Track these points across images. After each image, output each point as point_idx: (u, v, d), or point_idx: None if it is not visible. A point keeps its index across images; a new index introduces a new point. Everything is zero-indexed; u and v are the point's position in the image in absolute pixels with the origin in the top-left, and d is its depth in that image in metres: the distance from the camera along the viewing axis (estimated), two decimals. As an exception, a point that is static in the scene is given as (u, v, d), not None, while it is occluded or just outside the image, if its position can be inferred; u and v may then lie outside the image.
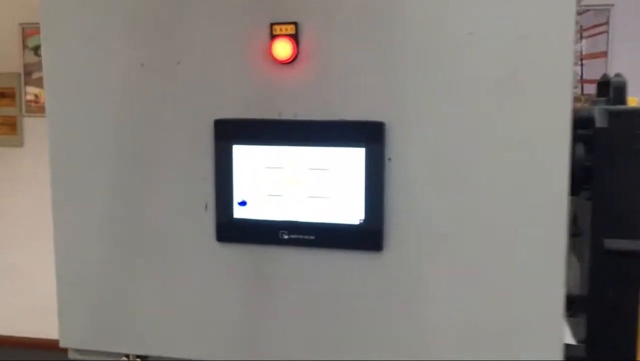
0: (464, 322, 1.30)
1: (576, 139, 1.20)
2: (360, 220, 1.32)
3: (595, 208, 1.21)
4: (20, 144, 5.52)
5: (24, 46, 5.39)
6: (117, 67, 1.41)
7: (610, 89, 1.21)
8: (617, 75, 1.23)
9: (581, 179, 1.21)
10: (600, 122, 1.17)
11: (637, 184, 1.16)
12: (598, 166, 1.19)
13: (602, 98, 1.23)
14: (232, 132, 1.37)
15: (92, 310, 1.47)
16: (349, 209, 1.32)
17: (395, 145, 1.30)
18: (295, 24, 1.31)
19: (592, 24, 4.59)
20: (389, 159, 1.30)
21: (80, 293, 1.48)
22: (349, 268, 1.34)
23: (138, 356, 1.46)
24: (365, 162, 1.30)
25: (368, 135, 1.30)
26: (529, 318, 1.27)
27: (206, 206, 1.39)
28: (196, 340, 1.42)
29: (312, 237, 1.35)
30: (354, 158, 1.31)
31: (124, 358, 1.47)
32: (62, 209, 1.48)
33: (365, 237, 1.32)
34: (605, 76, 1.24)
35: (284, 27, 1.31)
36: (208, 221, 1.39)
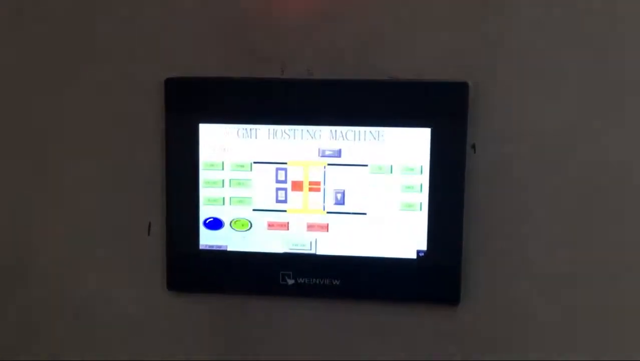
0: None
1: None
2: (420, 252, 0.76)
3: None
4: None
5: None
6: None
7: None
8: None
9: None
10: None
11: None
12: None
13: None
14: (197, 101, 0.78)
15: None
16: (401, 234, 0.76)
17: (485, 123, 0.75)
18: None
19: None
20: (474, 147, 0.75)
21: None
22: (399, 334, 0.78)
23: None
24: (430, 154, 0.74)
25: (438, 105, 0.75)
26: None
27: (149, 228, 0.80)
28: None
29: (336, 282, 0.77)
30: (411, 146, 0.75)
31: None
32: None
33: (429, 281, 0.76)
34: None
35: None
36: (152, 255, 0.80)
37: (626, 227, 0.74)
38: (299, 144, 0.77)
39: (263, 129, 0.77)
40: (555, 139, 0.74)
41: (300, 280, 0.78)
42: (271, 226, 0.78)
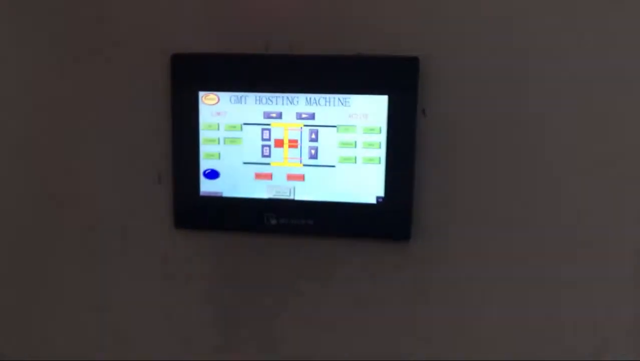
0: (525, 336, 0.86)
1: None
2: (379, 198, 0.86)
3: None
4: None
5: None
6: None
7: None
8: None
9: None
10: None
11: None
12: None
13: None
14: (197, 73, 0.88)
15: (15, 314, 0.97)
16: (364, 183, 0.86)
17: (433, 91, 0.84)
18: None
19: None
20: (424, 111, 0.84)
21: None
22: (362, 265, 0.89)
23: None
24: (387, 116, 0.84)
25: (394, 76, 0.84)
26: (608, 329, 0.84)
27: (159, 178, 0.91)
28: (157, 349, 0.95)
29: (310, 222, 0.88)
30: (372, 110, 0.84)
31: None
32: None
33: (386, 222, 0.87)
34: None
35: None
36: (162, 199, 0.91)
37: (558, 175, 0.83)
38: (281, 109, 0.86)
39: (251, 96, 0.87)
40: (493, 103, 0.83)
41: (281, 220, 0.88)
42: (258, 176, 0.88)
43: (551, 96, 0.81)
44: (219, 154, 0.89)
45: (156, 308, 0.93)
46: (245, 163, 0.88)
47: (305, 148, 0.87)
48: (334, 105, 0.85)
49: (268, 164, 0.88)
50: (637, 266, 0.83)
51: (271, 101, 0.86)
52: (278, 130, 0.87)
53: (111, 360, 0.95)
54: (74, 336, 0.96)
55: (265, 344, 0.92)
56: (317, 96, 0.85)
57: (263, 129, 0.87)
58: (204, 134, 0.88)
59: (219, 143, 0.88)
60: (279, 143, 0.87)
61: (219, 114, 0.88)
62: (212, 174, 0.90)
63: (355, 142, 0.85)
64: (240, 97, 0.87)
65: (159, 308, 0.93)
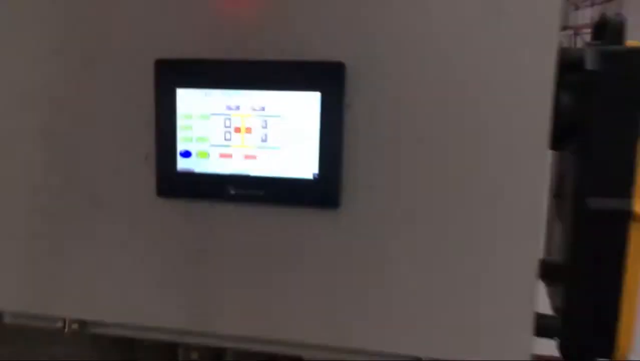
0: (425, 293, 1.05)
1: (562, 85, 0.94)
2: (315, 174, 1.06)
3: (580, 162, 0.96)
4: None
5: None
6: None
7: (607, 29, 0.94)
8: (617, 14, 0.96)
9: (566, 131, 0.95)
10: (592, 64, 0.90)
11: (631, 136, 0.91)
12: (587, 115, 0.93)
13: (598, 42, 0.96)
14: (175, 74, 1.10)
15: (23, 269, 1.22)
16: (302, 162, 1.06)
17: (356, 89, 1.04)
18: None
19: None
20: (348, 105, 1.04)
21: (7, 252, 1.23)
22: (301, 227, 1.09)
23: (76, 321, 1.22)
24: (320, 109, 1.04)
25: (324, 77, 1.04)
26: (498, 296, 1.02)
27: (146, 157, 1.13)
28: (136, 304, 1.18)
29: (261, 192, 1.09)
30: (308, 104, 1.05)
31: (60, 323, 1.22)
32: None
33: (320, 193, 1.07)
34: (603, 17, 0.97)
35: (231, -48, 1.04)
36: (148, 174, 1.14)
37: (467, 157, 1.01)
38: (239, 102, 1.08)
39: (217, 92, 1.08)
40: (405, 98, 1.02)
41: (239, 192, 1.10)
42: (221, 156, 1.10)
43: (458, 95, 1.00)
44: (192, 138, 1.11)
45: (147, 243, 1.15)
46: (212, 145, 1.10)
47: (258, 134, 1.08)
48: (279, 99, 1.06)
49: (229, 146, 1.09)
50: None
51: (232, 96, 1.08)
52: (237, 119, 1.08)
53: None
54: (71, 294, 1.20)
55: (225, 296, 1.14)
56: (266, 92, 1.06)
57: (225, 119, 1.08)
58: (180, 122, 1.11)
59: (191, 129, 1.10)
60: (238, 130, 1.08)
61: (192, 106, 1.10)
62: (186, 154, 1.12)
63: (295, 129, 1.06)
64: (209, 92, 1.09)
65: (150, 243, 1.15)
